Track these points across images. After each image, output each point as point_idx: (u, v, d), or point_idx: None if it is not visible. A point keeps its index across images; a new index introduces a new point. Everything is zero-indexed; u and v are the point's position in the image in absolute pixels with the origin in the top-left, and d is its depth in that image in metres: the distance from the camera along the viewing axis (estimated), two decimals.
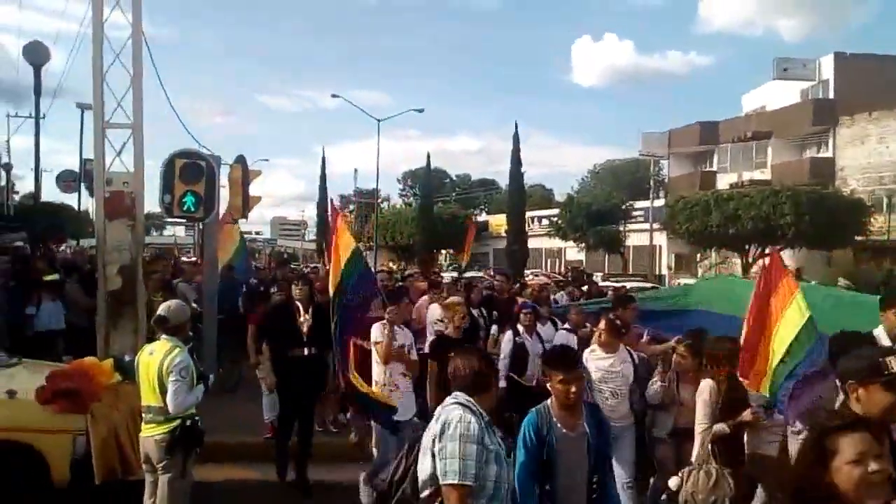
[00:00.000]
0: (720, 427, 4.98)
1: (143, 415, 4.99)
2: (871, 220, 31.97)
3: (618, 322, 6.13)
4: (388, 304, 6.40)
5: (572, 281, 18.54)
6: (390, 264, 49.48)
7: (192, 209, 9.15)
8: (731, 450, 5.08)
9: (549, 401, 3.79)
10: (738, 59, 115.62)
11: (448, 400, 3.29)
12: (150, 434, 4.91)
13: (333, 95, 40.53)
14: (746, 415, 5.04)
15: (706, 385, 5.11)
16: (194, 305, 9.46)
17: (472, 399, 3.24)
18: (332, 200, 6.84)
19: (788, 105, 38.89)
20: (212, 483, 6.20)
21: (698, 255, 38.03)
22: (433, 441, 3.13)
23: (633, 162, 61.10)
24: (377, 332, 6.26)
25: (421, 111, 58.53)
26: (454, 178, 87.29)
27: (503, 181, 49.78)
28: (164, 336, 4.97)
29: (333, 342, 5.87)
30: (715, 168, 43.40)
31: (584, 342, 7.60)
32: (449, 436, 3.07)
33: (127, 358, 6.24)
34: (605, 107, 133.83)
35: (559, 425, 3.68)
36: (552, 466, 3.60)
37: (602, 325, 6.02)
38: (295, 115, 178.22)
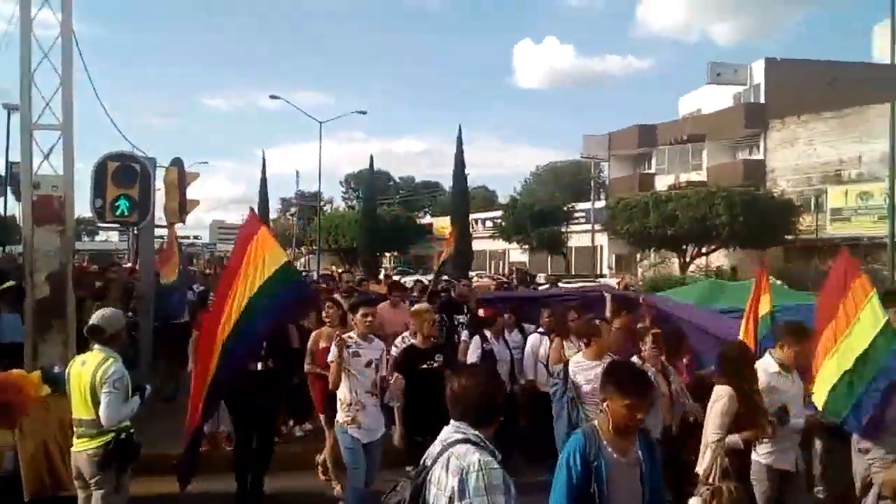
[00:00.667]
0: (734, 440, 4.58)
1: (75, 428, 4.78)
2: (801, 219, 33.30)
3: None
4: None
5: (518, 282, 18.71)
6: (333, 267, 49.10)
7: (126, 213, 8.90)
8: (744, 464, 4.71)
9: (596, 422, 3.34)
10: (675, 62, 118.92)
11: (451, 435, 2.74)
12: (83, 448, 4.71)
13: (272, 96, 39.97)
14: (768, 430, 4.65)
15: (724, 392, 4.67)
16: (129, 314, 9.17)
17: (479, 433, 2.73)
18: (252, 209, 5.94)
19: (722, 109, 40.17)
20: (150, 497, 6.00)
21: (638, 255, 38.90)
22: (450, 500, 2.58)
23: (575, 163, 62.09)
24: (332, 350, 5.65)
25: (364, 113, 58.19)
26: (398, 181, 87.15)
27: (447, 183, 50.02)
28: (97, 346, 4.78)
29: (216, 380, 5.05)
30: (653, 170, 44.48)
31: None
32: (472, 490, 2.54)
33: (56, 369, 5.98)
34: (547, 109, 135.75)
35: (609, 449, 3.19)
36: (601, 496, 3.11)
37: (617, 323, 5.55)
38: (234, 117, 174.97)
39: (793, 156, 35.80)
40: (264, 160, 59.06)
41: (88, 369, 4.67)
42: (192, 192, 10.76)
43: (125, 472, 4.81)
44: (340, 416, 5.68)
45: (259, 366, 6.20)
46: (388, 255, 55.13)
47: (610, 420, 3.21)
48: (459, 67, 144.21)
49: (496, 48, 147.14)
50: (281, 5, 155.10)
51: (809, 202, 34.34)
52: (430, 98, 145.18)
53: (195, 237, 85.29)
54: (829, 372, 4.51)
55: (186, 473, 5.32)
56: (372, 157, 51.70)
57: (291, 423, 8.36)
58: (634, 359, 5.84)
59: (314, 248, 45.82)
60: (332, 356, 5.63)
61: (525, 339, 8.02)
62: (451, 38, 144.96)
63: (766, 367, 4.97)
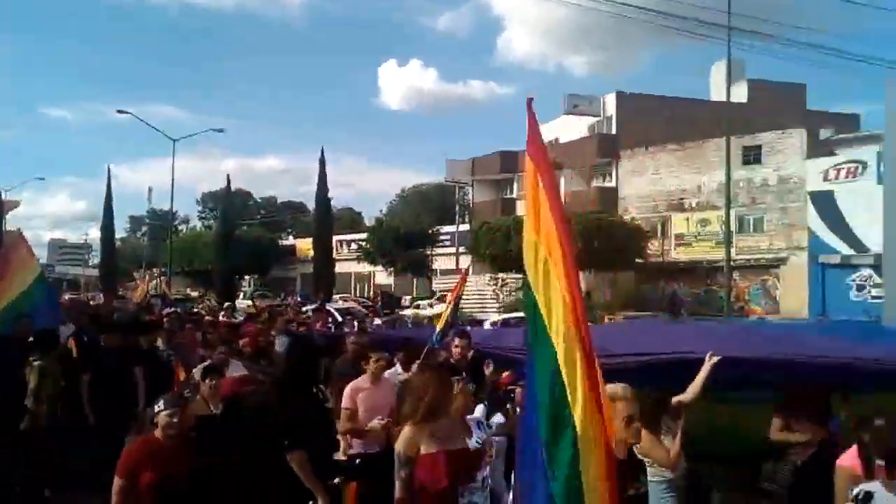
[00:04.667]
0: None
1: None
2: (649, 245, 35.35)
3: None
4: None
5: (383, 305, 18.36)
6: (188, 291, 46.34)
7: None
8: None
9: None
10: (533, 89, 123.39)
11: None
12: None
13: (120, 111, 37.31)
14: None
15: None
16: None
17: None
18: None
19: (577, 138, 42.08)
20: None
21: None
22: None
23: (440, 187, 62.80)
24: None
25: (221, 131, 56.13)
26: (259, 200, 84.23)
27: (311, 204, 48.79)
28: None
29: None
30: (515, 195, 45.72)
31: None
32: None
33: None
34: (411, 131, 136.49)
35: None
36: None
37: None
38: (79, 129, 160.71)
39: (641, 184, 38.00)
40: (109, 174, 55.21)
41: None
42: (23, 210, 9.47)
43: None
44: None
45: None
46: (247, 277, 52.91)
47: None
48: (323, 86, 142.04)
49: (361, 69, 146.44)
50: (132, 15, 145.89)
51: (656, 228, 36.53)
52: (292, 117, 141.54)
53: None
54: None
55: None
56: (228, 176, 49.22)
57: None
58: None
59: (165, 270, 43.02)
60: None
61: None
62: (314, 56, 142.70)
63: None
